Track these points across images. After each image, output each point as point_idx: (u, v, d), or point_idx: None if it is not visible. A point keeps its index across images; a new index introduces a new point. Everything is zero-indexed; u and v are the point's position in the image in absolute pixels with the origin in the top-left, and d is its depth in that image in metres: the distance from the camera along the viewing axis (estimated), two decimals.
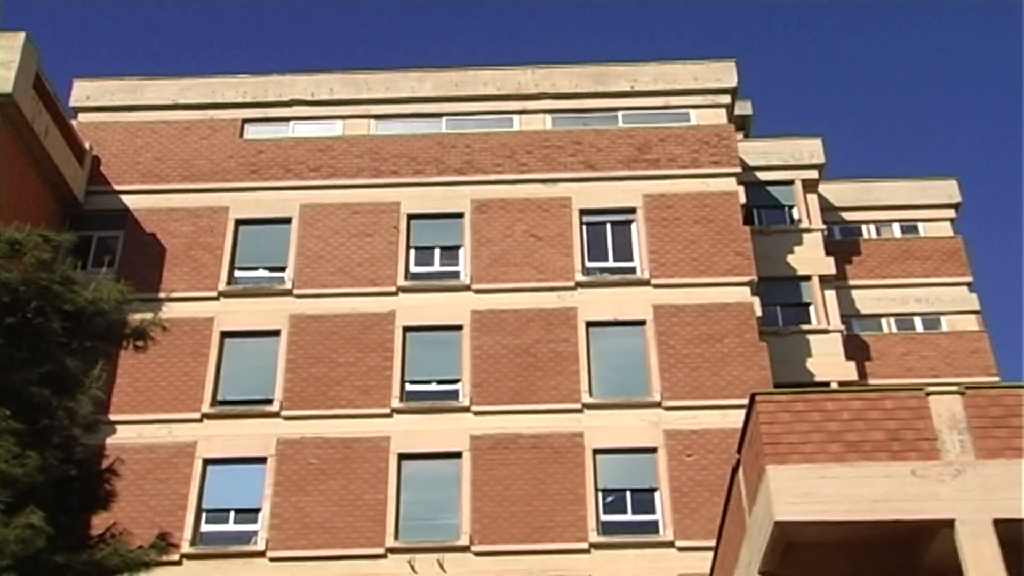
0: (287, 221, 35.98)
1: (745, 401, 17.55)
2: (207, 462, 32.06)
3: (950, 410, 16.67)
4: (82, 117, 37.33)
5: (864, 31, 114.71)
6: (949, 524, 15.71)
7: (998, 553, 15.21)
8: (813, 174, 41.46)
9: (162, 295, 33.02)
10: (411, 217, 36.09)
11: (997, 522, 15.56)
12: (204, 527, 31.37)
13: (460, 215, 36.11)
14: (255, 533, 31.21)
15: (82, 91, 38.05)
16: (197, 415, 32.59)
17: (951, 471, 16.18)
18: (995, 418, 16.64)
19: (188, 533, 30.81)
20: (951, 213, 44.94)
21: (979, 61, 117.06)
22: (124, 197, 35.92)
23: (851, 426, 16.51)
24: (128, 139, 37.02)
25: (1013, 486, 15.92)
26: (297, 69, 40.46)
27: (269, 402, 32.89)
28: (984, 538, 15.45)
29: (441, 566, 30.25)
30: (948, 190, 45.26)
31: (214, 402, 32.91)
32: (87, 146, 36.27)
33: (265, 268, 35.42)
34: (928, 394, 16.88)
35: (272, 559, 30.60)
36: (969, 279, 43.03)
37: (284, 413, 32.59)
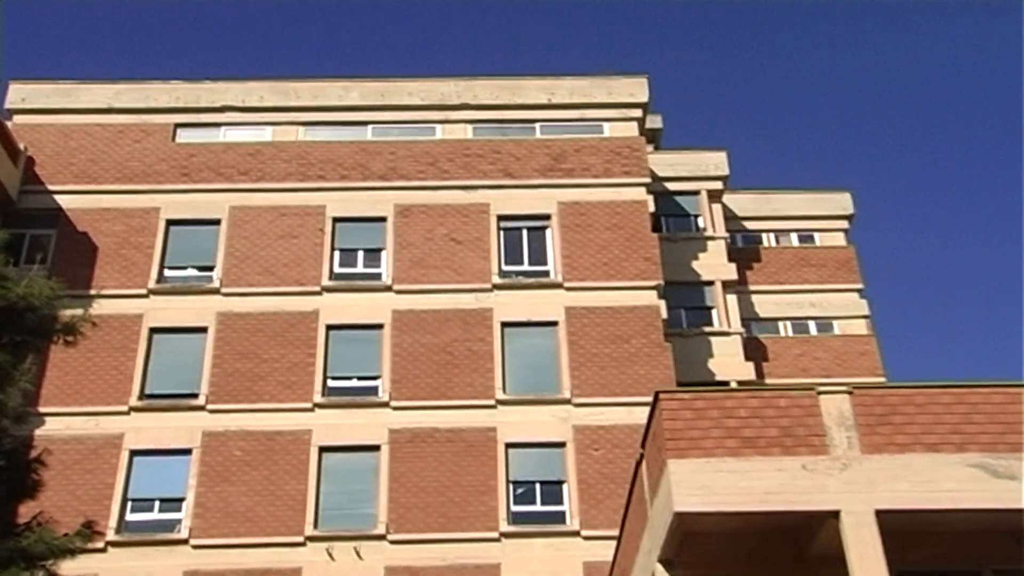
0: (216, 222, 35.82)
1: (650, 399, 17.61)
2: (133, 453, 31.83)
3: (839, 408, 16.89)
4: (17, 119, 36.92)
5: (768, 51, 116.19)
6: (835, 515, 15.96)
7: (879, 542, 15.52)
8: (718, 185, 41.98)
9: (93, 292, 32.87)
10: (336, 220, 36.02)
11: (879, 512, 15.86)
12: (129, 516, 31.17)
13: (383, 219, 36.06)
14: (179, 522, 31.05)
15: (17, 93, 37.65)
16: (125, 408, 32.35)
17: (838, 465, 16.40)
18: (880, 416, 16.90)
19: (113, 521, 30.62)
20: (845, 224, 45.70)
21: (876, 78, 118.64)
22: (57, 197, 35.59)
23: (748, 423, 16.67)
24: (62, 141, 36.70)
25: (895, 479, 16.25)
26: (229, 77, 40.23)
27: (195, 396, 32.71)
28: (867, 528, 15.72)
29: (358, 554, 30.27)
30: (842, 202, 46.01)
31: (142, 395, 32.70)
32: (21, 147, 35.89)
33: (194, 267, 35.23)
34: (819, 393, 17.10)
35: (195, 546, 30.44)
36: (860, 286, 43.85)
37: (210, 407, 32.44)
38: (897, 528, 15.90)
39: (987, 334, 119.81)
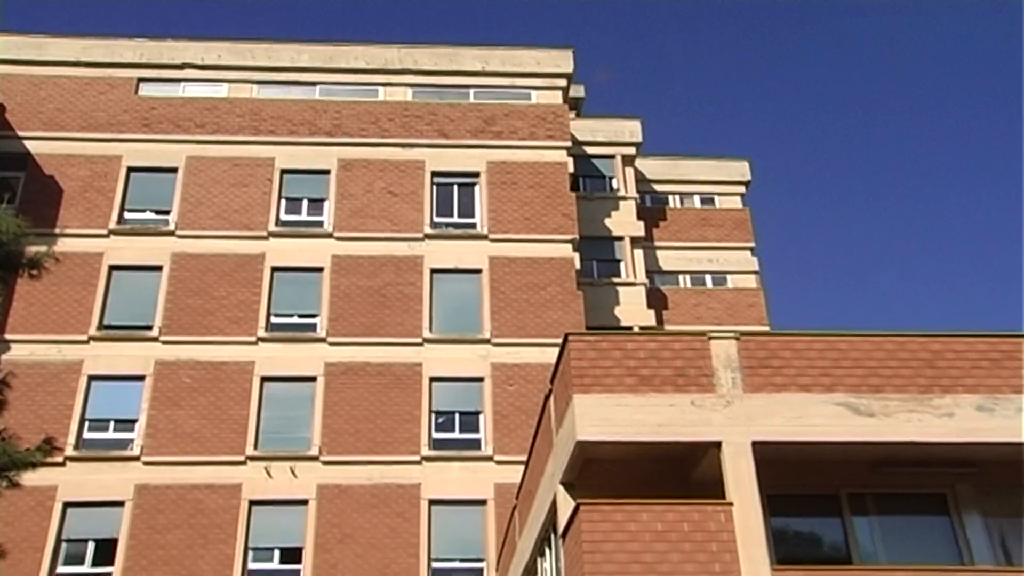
0: (174, 170, 35.80)
1: (560, 340, 17.98)
2: (92, 378, 31.96)
3: (726, 352, 17.30)
4: None
5: (686, 29, 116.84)
6: (717, 445, 16.57)
7: (753, 469, 16.17)
8: (631, 151, 42.48)
9: (57, 231, 33.37)
10: (284, 172, 36.08)
11: (755, 444, 16.50)
12: (87, 435, 31.32)
13: (327, 172, 36.14)
14: (132, 441, 31.23)
15: None
16: (84, 337, 32.37)
17: (723, 402, 16.84)
18: (761, 359, 17.37)
19: (72, 439, 30.81)
20: (742, 189, 46.45)
21: (780, 59, 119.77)
22: (26, 142, 35.38)
23: (645, 363, 17.08)
24: (32, 90, 36.42)
25: (771, 415, 16.81)
26: (190, 36, 40.43)
27: (149, 328, 32.80)
28: (743, 457, 16.32)
29: (293, 473, 30.68)
30: (740, 170, 46.72)
31: (100, 326, 32.71)
32: None
33: (152, 211, 35.14)
34: (710, 338, 17.58)
35: (146, 463, 30.72)
36: (752, 245, 44.64)
37: (162, 338, 32.57)
38: (770, 457, 16.49)
39: (864, 288, 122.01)
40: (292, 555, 30.10)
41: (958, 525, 18.02)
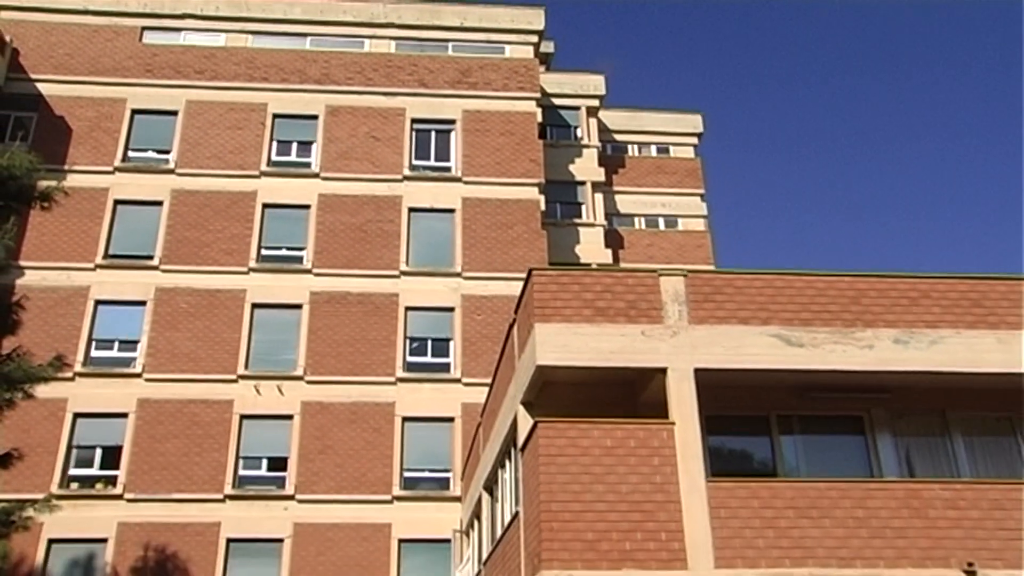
0: (174, 113, 35.59)
1: (525, 275, 18.25)
2: (98, 302, 32.04)
3: (675, 287, 17.52)
4: (3, 14, 36.10)
5: None
6: (663, 371, 16.89)
7: (694, 393, 16.57)
8: (595, 103, 42.49)
9: (66, 167, 33.00)
10: (276, 116, 35.94)
11: (697, 370, 16.83)
12: (93, 353, 31.48)
13: (315, 117, 35.99)
14: (134, 359, 31.43)
15: None
16: (91, 265, 32.42)
17: (669, 332, 17.09)
18: (706, 294, 17.62)
19: (80, 357, 31.00)
20: (695, 140, 46.57)
21: (735, 23, 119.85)
22: (39, 85, 35.16)
23: (601, 296, 17.30)
24: (44, 36, 36.09)
25: (712, 345, 17.14)
26: None
27: (151, 257, 32.84)
28: (686, 382, 16.69)
29: (280, 391, 31.03)
30: (694, 122, 46.76)
31: (106, 255, 32.75)
32: (7, 39, 35.27)
33: (154, 150, 34.95)
34: (660, 275, 17.84)
35: (147, 379, 31.01)
36: (702, 191, 44.83)
37: (162, 267, 32.64)
38: (709, 382, 16.89)
39: (803, 232, 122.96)
40: (278, 463, 30.47)
41: (871, 444, 18.53)
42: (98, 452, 30.29)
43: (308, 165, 35.10)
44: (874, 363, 17.48)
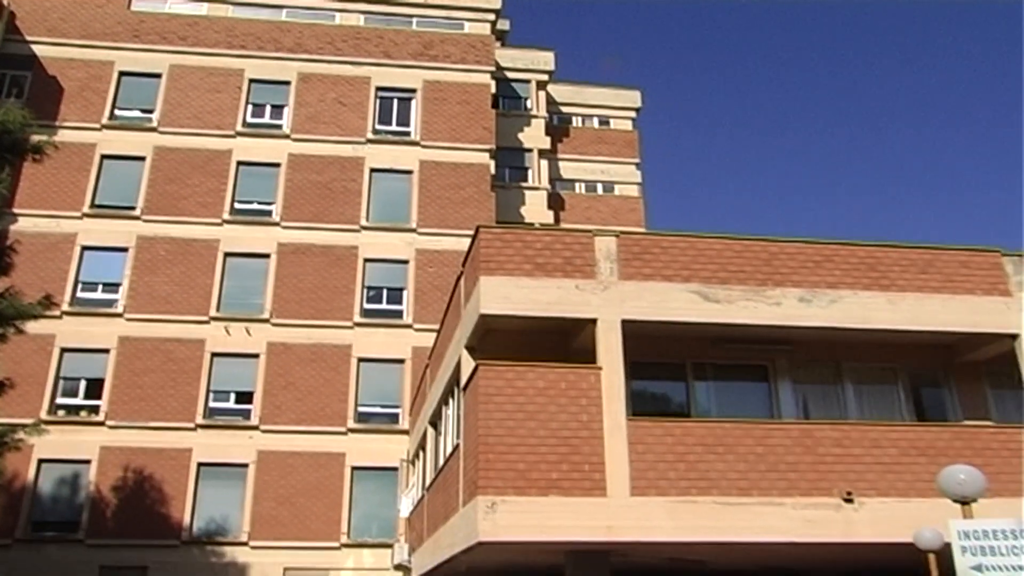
0: (158, 76, 35.19)
1: (473, 232, 18.35)
2: (84, 248, 31.91)
3: (608, 247, 17.69)
4: None
5: None
6: (593, 322, 17.09)
7: (620, 341, 16.79)
8: (544, 77, 42.40)
9: (57, 123, 32.98)
10: (251, 81, 35.58)
11: (624, 321, 17.05)
12: (79, 294, 31.38)
13: (288, 83, 35.68)
14: (116, 300, 31.40)
15: None
16: (79, 213, 32.21)
17: (601, 287, 17.26)
18: (635, 253, 17.80)
19: (67, 297, 30.94)
20: (633, 114, 46.54)
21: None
22: (33, 46, 34.64)
23: (541, 253, 17.43)
24: (39, 1, 35.56)
25: (638, 299, 17.36)
26: None
27: (133, 208, 32.65)
28: (613, 332, 16.89)
29: (248, 332, 31.10)
30: (633, 97, 46.71)
31: (92, 205, 32.52)
32: (5, 3, 34.71)
33: (139, 110, 34.59)
34: (595, 235, 18.01)
35: (128, 319, 31.01)
36: (638, 161, 44.91)
37: (143, 217, 32.46)
38: (634, 332, 17.11)
39: (727, 199, 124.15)
40: (245, 397, 30.70)
41: (773, 389, 18.97)
42: (83, 383, 30.38)
43: (280, 127, 34.83)
44: (780, 318, 17.83)
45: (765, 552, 18.13)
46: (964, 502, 10.47)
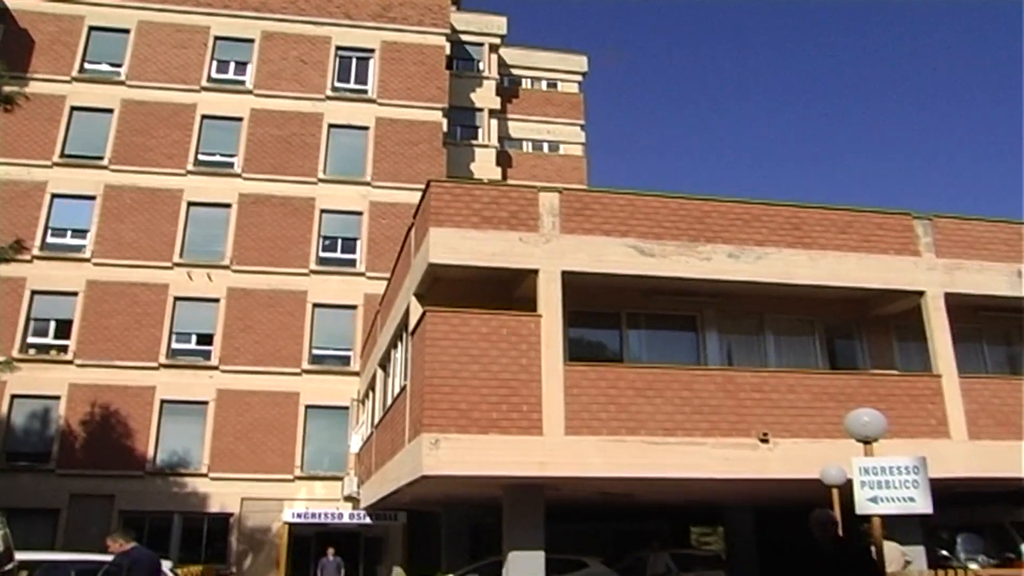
0: (127, 31, 34.61)
1: (424, 185, 18.44)
2: (54, 196, 31.61)
3: (551, 202, 17.85)
4: None
5: None
6: (535, 272, 17.31)
7: (560, 291, 17.03)
8: (497, 40, 42.19)
9: (29, 75, 32.52)
10: (217, 38, 35.07)
11: (564, 272, 17.29)
12: (49, 239, 31.16)
13: (252, 40, 35.22)
14: (84, 246, 31.22)
15: None
16: (49, 163, 31.85)
17: (543, 240, 17.44)
18: (576, 209, 18.00)
19: (38, 242, 30.73)
20: (579, 78, 46.51)
21: None
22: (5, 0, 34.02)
23: (487, 206, 17.56)
24: None
25: (578, 252, 17.59)
26: None
27: (101, 158, 32.28)
28: (554, 282, 17.13)
29: (209, 277, 31.07)
30: (580, 62, 46.69)
31: (62, 154, 32.13)
32: None
33: (108, 63, 34.00)
34: (539, 191, 18.17)
35: (95, 264, 30.88)
36: (582, 122, 44.89)
37: (111, 167, 32.14)
38: (573, 283, 17.35)
39: (666, 159, 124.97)
40: (205, 339, 30.73)
41: (701, 338, 19.35)
42: (52, 324, 30.28)
43: (243, 83, 34.43)
44: (710, 272, 18.17)
45: (688, 487, 18.62)
46: (866, 441, 10.78)
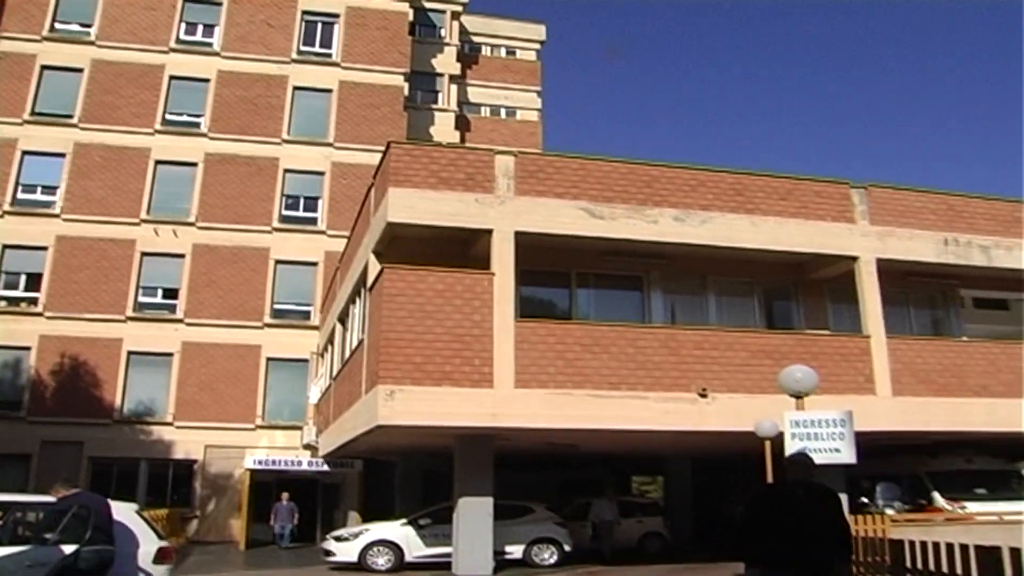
0: None
1: (384, 147, 18.49)
2: (24, 153, 31.12)
3: (506, 165, 17.90)
4: None
5: None
6: (490, 232, 17.43)
7: (512, 250, 17.17)
8: (459, 8, 41.44)
9: (1, 34, 31.92)
10: (186, 1, 34.25)
11: (517, 233, 17.39)
12: (20, 196, 30.79)
13: (220, 3, 34.52)
14: (54, 202, 30.79)
15: None
16: (20, 120, 31.29)
17: (499, 201, 17.50)
18: (531, 172, 18.07)
19: (9, 198, 30.47)
20: (537, 46, 46.10)
21: None
22: None
23: (445, 168, 17.59)
24: None
25: (531, 213, 17.68)
26: None
27: (71, 117, 31.72)
28: (507, 242, 17.25)
29: (175, 233, 30.77)
30: (538, 31, 46.34)
31: (32, 113, 31.57)
32: None
33: (78, 24, 33.30)
34: (495, 154, 18.19)
35: (64, 219, 30.51)
36: (539, 89, 44.58)
37: (81, 125, 31.60)
38: (526, 243, 17.45)
39: (619, 124, 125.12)
40: (171, 293, 30.58)
41: (646, 298, 19.56)
42: (23, 277, 30.00)
43: (210, 45, 33.86)
44: (657, 235, 18.31)
45: (630, 438, 18.85)
46: (798, 396, 10.95)
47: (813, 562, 6.49)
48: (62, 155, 31.19)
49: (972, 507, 18.20)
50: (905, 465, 20.09)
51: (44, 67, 32.35)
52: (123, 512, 10.22)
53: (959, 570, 8.30)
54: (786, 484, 6.96)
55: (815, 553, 6.51)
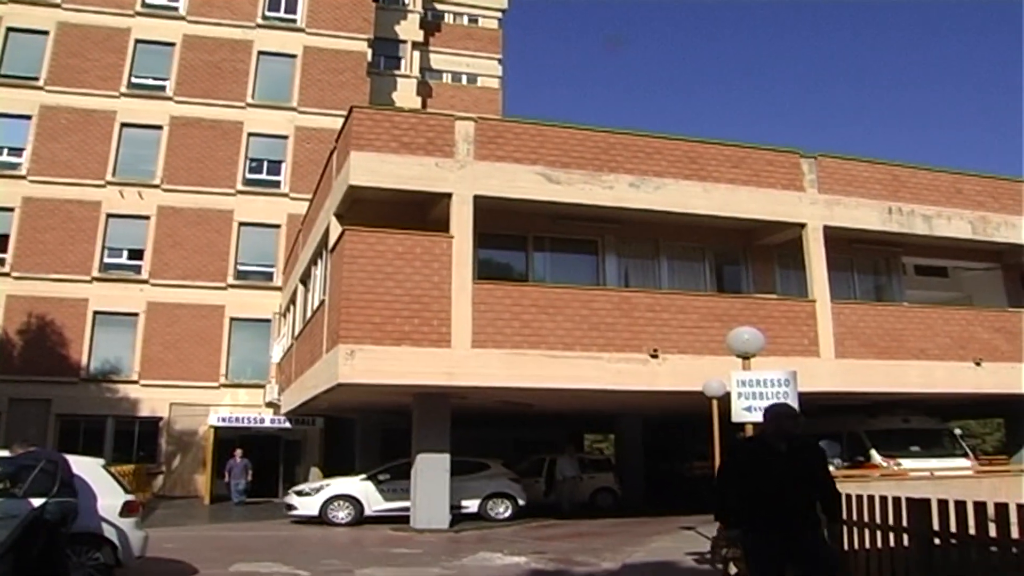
0: None
1: (347, 112, 18.28)
2: None
3: (466, 130, 17.80)
4: None
5: None
6: (449, 196, 17.32)
7: (471, 214, 17.14)
8: None
9: None
10: None
11: (476, 197, 17.33)
12: None
13: None
14: (21, 164, 30.28)
15: None
16: None
17: (458, 165, 17.41)
18: (490, 137, 17.99)
19: None
20: (499, 14, 45.95)
21: None
22: None
23: (406, 133, 17.49)
24: None
25: (490, 177, 17.62)
26: None
27: (37, 79, 31.01)
28: (466, 205, 17.21)
29: (140, 196, 30.36)
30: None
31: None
32: None
33: None
34: (455, 119, 18.06)
35: (31, 181, 30.00)
36: (500, 57, 44.43)
37: (47, 88, 30.89)
38: (484, 207, 17.40)
39: (580, 92, 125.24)
40: (136, 254, 30.20)
41: (601, 261, 19.60)
42: None
43: (176, 9, 33.03)
44: (613, 200, 18.29)
45: (584, 397, 18.95)
46: (745, 357, 10.94)
47: (796, 522, 5.95)
48: (28, 117, 30.56)
49: (907, 463, 18.58)
50: (845, 424, 20.39)
51: (10, 29, 31.64)
52: (89, 467, 10.23)
53: (891, 520, 8.58)
54: (766, 437, 6.33)
55: (799, 512, 5.97)
